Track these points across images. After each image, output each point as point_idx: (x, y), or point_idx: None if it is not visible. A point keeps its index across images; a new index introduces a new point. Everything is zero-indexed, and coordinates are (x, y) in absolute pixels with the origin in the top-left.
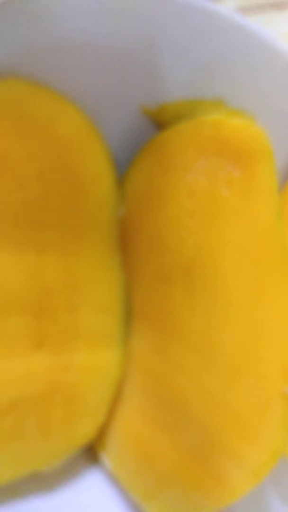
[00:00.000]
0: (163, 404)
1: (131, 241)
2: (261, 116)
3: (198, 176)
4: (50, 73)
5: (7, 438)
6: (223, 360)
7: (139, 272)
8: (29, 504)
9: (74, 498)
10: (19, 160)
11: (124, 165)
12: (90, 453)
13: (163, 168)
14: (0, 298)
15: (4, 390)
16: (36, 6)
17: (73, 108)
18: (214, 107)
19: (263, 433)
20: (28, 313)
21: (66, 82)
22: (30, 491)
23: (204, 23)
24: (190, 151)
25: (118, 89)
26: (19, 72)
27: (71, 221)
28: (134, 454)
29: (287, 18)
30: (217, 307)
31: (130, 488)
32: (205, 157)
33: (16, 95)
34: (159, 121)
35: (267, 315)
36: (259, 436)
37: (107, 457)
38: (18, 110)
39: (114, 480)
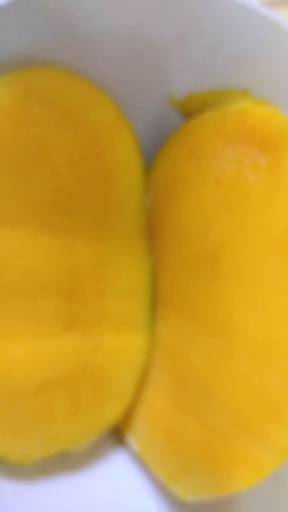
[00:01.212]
0: (188, 387)
1: (157, 228)
2: (285, 107)
3: (224, 164)
4: (83, 63)
5: (37, 418)
6: (248, 344)
7: (165, 259)
8: (57, 483)
9: (101, 478)
10: (54, 147)
11: (151, 154)
12: (117, 435)
13: (189, 156)
14: (33, 281)
15: (36, 371)
16: None
17: (104, 97)
18: (240, 97)
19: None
20: (60, 296)
21: (97, 72)
22: (59, 470)
23: (233, 16)
24: (217, 139)
25: (146, 79)
26: (55, 61)
27: (101, 208)
28: (160, 436)
29: None
30: (242, 292)
31: (156, 469)
32: (231, 145)
33: (52, 83)
34: (186, 110)
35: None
36: (284, 416)
37: (134, 439)
38: (54, 97)
39: (140, 461)
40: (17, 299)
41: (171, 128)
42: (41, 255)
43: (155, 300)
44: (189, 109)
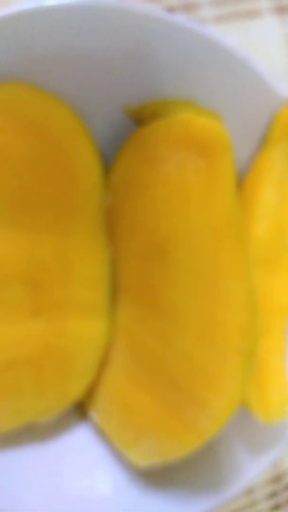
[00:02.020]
0: (143, 365)
1: (115, 224)
2: (226, 114)
3: (171, 167)
4: (46, 79)
5: (7, 392)
6: (192, 324)
7: (123, 252)
8: (24, 452)
9: (65, 449)
10: (17, 153)
11: (110, 158)
12: (81, 411)
13: (142, 160)
14: (0, 271)
15: (5, 351)
16: (35, 21)
17: (65, 108)
18: (185, 107)
19: (224, 384)
20: (26, 286)
21: (59, 85)
22: (26, 441)
23: (178, 35)
24: (165, 145)
25: (104, 92)
26: (19, 77)
27: (63, 206)
28: (118, 409)
29: (260, 26)
30: (187, 279)
31: (114, 439)
32: (176, 150)
33: (16, 97)
34: (139, 118)
35: (226, 284)
36: (220, 387)
37: (95, 413)
38: (18, 109)
39: (101, 433)
40: None
41: (127, 134)
42: (7, 249)
43: (115, 290)
44: (142, 118)
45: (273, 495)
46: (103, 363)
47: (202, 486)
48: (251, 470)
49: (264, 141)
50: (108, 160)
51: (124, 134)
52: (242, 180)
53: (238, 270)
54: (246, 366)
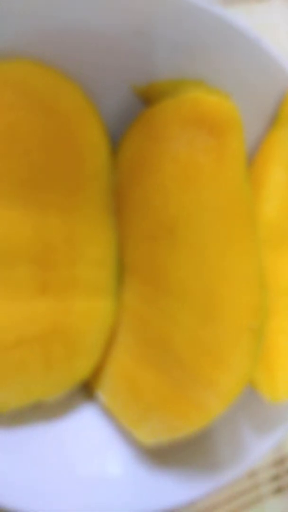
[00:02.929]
0: (150, 344)
1: (123, 204)
2: (235, 94)
3: (180, 145)
4: (54, 55)
5: (15, 370)
6: (200, 303)
7: (130, 232)
8: (32, 432)
9: (72, 428)
10: (26, 130)
11: (117, 137)
12: (87, 390)
13: (150, 139)
14: (8, 249)
15: (12, 328)
16: None
17: (73, 86)
18: (194, 86)
19: (232, 362)
20: (33, 264)
21: (67, 63)
22: (33, 420)
23: (186, 13)
24: (173, 124)
25: (112, 70)
26: (27, 54)
27: (71, 185)
28: (124, 388)
29: (267, 9)
30: (195, 258)
31: (121, 417)
32: (185, 129)
33: (24, 74)
34: (147, 98)
35: (236, 262)
36: (229, 365)
37: (101, 392)
38: (26, 87)
39: (107, 412)
40: None
41: (135, 113)
42: (16, 226)
43: (122, 269)
44: (150, 97)
45: (276, 477)
46: (109, 343)
47: (207, 465)
48: (256, 450)
49: (273, 121)
50: (116, 139)
51: (132, 113)
52: (251, 160)
53: (248, 250)
54: (255, 344)
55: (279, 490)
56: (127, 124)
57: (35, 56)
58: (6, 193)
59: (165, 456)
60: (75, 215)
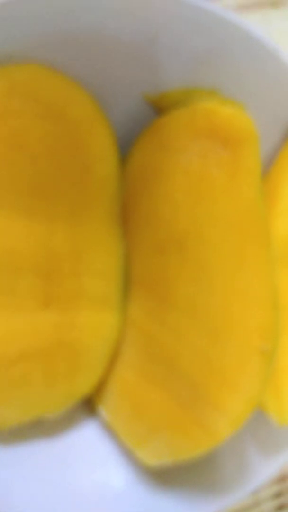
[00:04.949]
0: (155, 361)
1: (131, 215)
2: (251, 106)
3: (191, 157)
4: (64, 61)
5: (16, 385)
6: (209, 321)
7: (137, 244)
8: (33, 448)
9: (73, 444)
10: (33, 137)
11: (126, 147)
12: (89, 406)
13: (161, 149)
14: (13, 261)
15: (14, 342)
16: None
17: (83, 93)
18: (208, 96)
19: (242, 384)
20: (38, 276)
21: (78, 70)
22: (33, 436)
23: (201, 21)
24: (186, 134)
25: (123, 78)
26: (37, 59)
27: (78, 194)
28: (128, 405)
29: (283, 16)
30: (205, 274)
31: (123, 435)
32: (198, 140)
33: (33, 79)
34: (159, 107)
35: (247, 281)
36: (238, 387)
37: (104, 409)
38: (35, 92)
39: (110, 429)
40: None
41: (145, 123)
42: (21, 237)
43: (128, 282)
44: (162, 106)
45: (278, 495)
46: (113, 358)
47: (210, 487)
48: (261, 473)
49: None
50: (125, 148)
51: (142, 122)
52: (265, 173)
53: (261, 268)
54: (265, 366)
55: (280, 508)
56: (137, 133)
57: (44, 61)
58: (12, 203)
59: (167, 476)
60: (82, 226)
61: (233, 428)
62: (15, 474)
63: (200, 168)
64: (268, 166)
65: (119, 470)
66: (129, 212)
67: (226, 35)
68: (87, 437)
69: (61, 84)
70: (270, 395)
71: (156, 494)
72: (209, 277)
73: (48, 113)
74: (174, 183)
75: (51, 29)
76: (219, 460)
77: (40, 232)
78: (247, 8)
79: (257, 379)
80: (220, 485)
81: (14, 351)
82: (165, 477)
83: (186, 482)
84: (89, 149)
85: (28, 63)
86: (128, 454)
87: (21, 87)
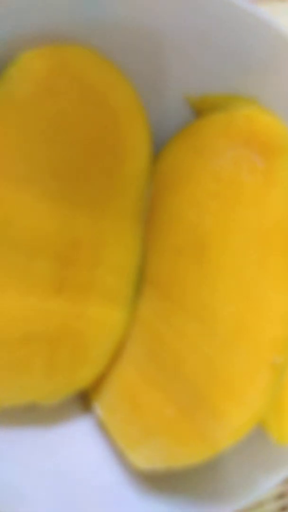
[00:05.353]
0: (159, 363)
1: (154, 214)
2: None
3: (224, 163)
4: (111, 48)
5: (16, 367)
6: (221, 329)
7: (157, 243)
8: (22, 433)
9: (63, 436)
10: (75, 120)
11: (159, 145)
12: (85, 402)
13: (195, 152)
14: (33, 241)
15: (21, 323)
16: None
17: (126, 80)
18: (248, 103)
19: (248, 396)
20: (55, 260)
21: (122, 59)
22: (25, 422)
23: (248, 28)
24: (222, 139)
25: (167, 75)
26: (86, 42)
27: (107, 185)
28: (125, 404)
29: None
30: (223, 281)
31: (116, 435)
32: (234, 146)
33: (80, 60)
34: (198, 109)
35: (268, 291)
36: (243, 399)
37: (99, 405)
38: (80, 74)
39: (103, 427)
40: (15, 255)
41: (181, 123)
42: (45, 218)
43: (142, 281)
44: (201, 109)
45: (281, 496)
46: (117, 355)
47: (205, 497)
48: (259, 486)
49: None
50: (157, 147)
51: (178, 122)
52: None
53: (282, 281)
54: (274, 380)
55: (284, 509)
56: (171, 132)
57: (91, 45)
58: (40, 183)
59: (160, 480)
60: (105, 219)
61: (233, 440)
62: (2, 456)
63: (232, 175)
64: None
65: (109, 471)
66: (153, 211)
67: (271, 45)
68: (79, 431)
69: (106, 69)
70: (272, 412)
71: (143, 500)
72: (227, 284)
73: (92, 95)
74: (203, 186)
75: (102, 15)
76: (217, 470)
77: (64, 217)
78: (255, 1)
79: (264, 393)
80: (215, 496)
81: (19, 332)
82: (158, 482)
83: (178, 489)
84: (125, 141)
85: (75, 44)
86: (120, 455)
87: (67, 67)
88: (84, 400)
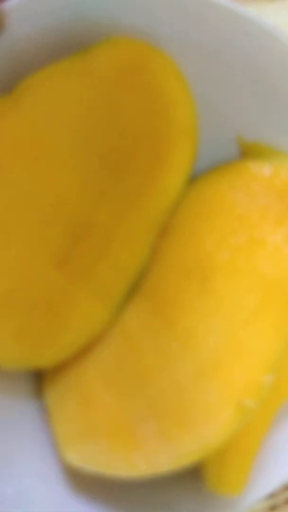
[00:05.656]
0: (127, 372)
1: (170, 232)
2: None
3: (257, 208)
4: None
5: None
6: (201, 358)
7: (163, 259)
8: None
9: (5, 417)
10: (128, 110)
11: (197, 173)
12: (37, 388)
13: (231, 188)
14: (55, 208)
15: (5, 280)
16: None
17: (184, 84)
18: None
19: (203, 428)
20: (67, 235)
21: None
22: None
23: None
24: (262, 185)
25: (230, 108)
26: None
27: (142, 181)
28: (77, 401)
29: (279, 9)
30: (216, 314)
31: (58, 428)
32: (271, 195)
33: (138, 51)
34: (246, 151)
35: (253, 338)
36: (198, 429)
37: (50, 394)
38: (140, 67)
39: (47, 417)
40: (34, 214)
41: (222, 157)
42: (74, 192)
43: (137, 290)
44: (248, 152)
45: (271, 495)
46: (85, 352)
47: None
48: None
49: None
50: (195, 174)
51: (219, 154)
52: None
53: (273, 332)
54: (237, 422)
55: (273, 508)
56: (209, 162)
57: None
58: (83, 159)
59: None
60: (128, 215)
61: (175, 466)
62: None
63: (260, 221)
64: None
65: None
66: (169, 228)
67: None
68: (23, 416)
69: (167, 68)
70: (214, 459)
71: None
72: (219, 318)
73: (147, 92)
74: (229, 222)
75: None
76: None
77: (91, 199)
78: (243, 1)
79: (222, 430)
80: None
81: (3, 288)
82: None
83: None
84: (171, 155)
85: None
86: (51, 449)
87: (128, 60)
88: (37, 387)
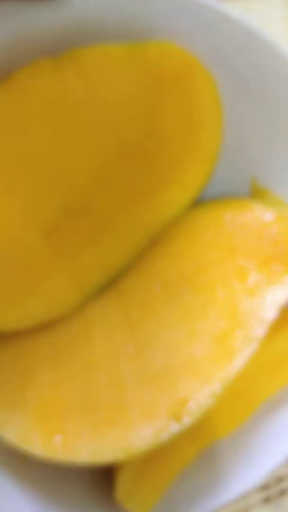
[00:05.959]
0: (74, 358)
1: (160, 243)
2: None
3: (249, 244)
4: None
5: None
6: (150, 363)
7: (145, 265)
8: None
9: None
10: (154, 109)
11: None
12: None
13: (231, 221)
14: (60, 178)
15: None
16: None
17: (219, 108)
18: None
19: (132, 429)
20: (64, 207)
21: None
22: None
23: None
24: (261, 229)
25: (252, 148)
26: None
27: (152, 186)
28: (17, 370)
29: (264, 5)
30: (178, 326)
31: None
32: (267, 240)
33: (168, 58)
34: (256, 194)
35: (206, 358)
36: (127, 428)
37: None
38: (167, 68)
39: None
40: (40, 178)
41: (234, 192)
42: (82, 167)
43: (112, 286)
44: (258, 196)
45: (264, 487)
46: (41, 328)
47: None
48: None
49: None
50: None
51: (233, 192)
52: None
53: (230, 360)
54: (164, 427)
55: (267, 500)
56: (217, 195)
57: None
58: (98, 142)
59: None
60: (128, 213)
61: (93, 459)
62: None
63: (246, 256)
64: None
65: None
66: (162, 240)
67: None
68: None
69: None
70: (133, 471)
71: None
72: (181, 331)
73: (183, 102)
74: (220, 250)
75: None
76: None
77: (101, 181)
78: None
79: (149, 438)
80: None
81: None
82: None
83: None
84: (186, 171)
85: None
86: None
87: (156, 63)
88: None
